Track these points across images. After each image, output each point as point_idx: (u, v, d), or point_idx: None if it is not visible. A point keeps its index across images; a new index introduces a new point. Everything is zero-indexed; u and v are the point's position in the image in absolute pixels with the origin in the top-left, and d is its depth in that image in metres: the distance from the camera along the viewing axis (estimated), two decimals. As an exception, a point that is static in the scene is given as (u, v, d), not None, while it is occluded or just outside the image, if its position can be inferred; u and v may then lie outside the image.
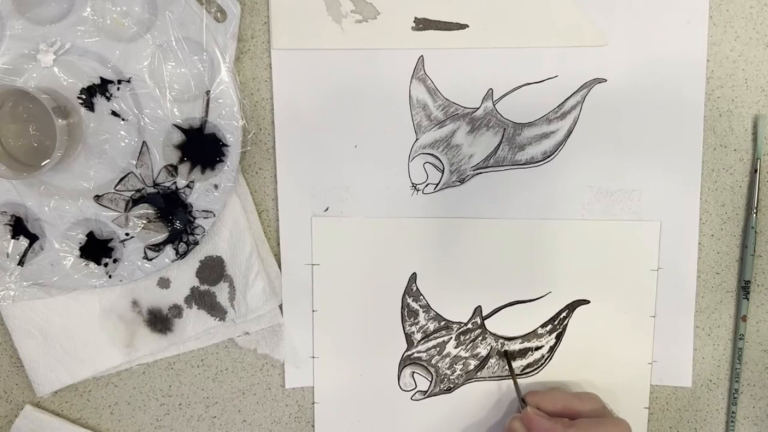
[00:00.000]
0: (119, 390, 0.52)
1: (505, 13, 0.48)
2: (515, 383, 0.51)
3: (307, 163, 0.50)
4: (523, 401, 0.49)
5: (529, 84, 0.48)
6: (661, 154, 0.49)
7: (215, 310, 0.50)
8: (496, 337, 0.51)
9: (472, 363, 0.52)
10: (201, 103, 0.47)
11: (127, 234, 0.48)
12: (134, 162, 0.47)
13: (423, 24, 0.48)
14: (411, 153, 0.49)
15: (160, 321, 0.50)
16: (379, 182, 0.50)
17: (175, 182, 0.48)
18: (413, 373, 0.52)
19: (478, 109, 0.49)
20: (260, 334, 0.51)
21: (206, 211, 0.48)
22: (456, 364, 0.52)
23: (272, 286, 0.50)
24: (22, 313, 0.50)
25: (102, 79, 0.46)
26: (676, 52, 0.48)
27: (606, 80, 0.48)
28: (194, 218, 0.48)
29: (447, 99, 0.49)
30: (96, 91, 0.47)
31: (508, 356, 0.51)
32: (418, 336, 0.52)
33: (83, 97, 0.46)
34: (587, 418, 0.46)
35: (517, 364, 0.52)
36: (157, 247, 0.49)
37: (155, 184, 0.48)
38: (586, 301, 0.51)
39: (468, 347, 0.52)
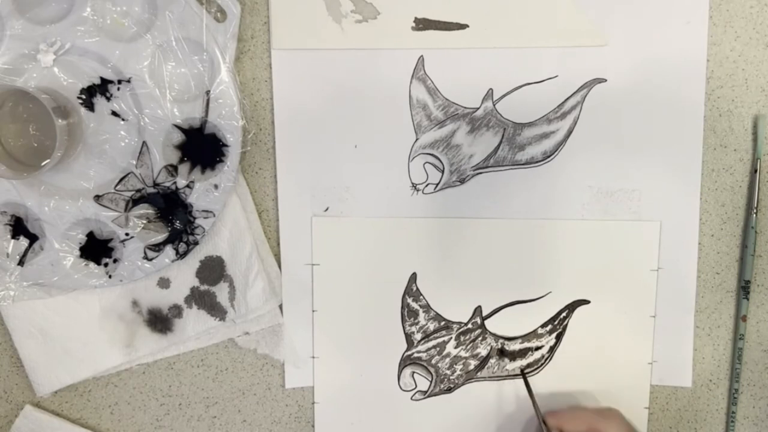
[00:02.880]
0: (119, 390, 0.52)
1: (505, 13, 0.48)
2: (535, 406, 0.50)
3: (307, 163, 0.50)
4: (544, 423, 0.48)
5: (529, 84, 0.48)
6: (661, 154, 0.49)
7: (215, 310, 0.50)
8: (496, 337, 0.51)
9: (472, 363, 0.52)
10: (201, 103, 0.47)
11: (127, 234, 0.48)
12: (134, 162, 0.47)
13: (423, 24, 0.48)
14: (411, 153, 0.49)
15: (160, 321, 0.50)
16: (379, 182, 0.50)
17: (175, 182, 0.48)
18: (413, 373, 0.52)
19: (478, 109, 0.49)
20: (260, 334, 0.51)
21: (206, 211, 0.48)
22: (456, 364, 0.52)
23: (272, 286, 0.50)
24: (22, 313, 0.50)
25: (102, 79, 0.46)
26: (676, 52, 0.48)
27: (606, 80, 0.48)
28: (194, 218, 0.48)
29: (447, 99, 0.49)
30: (96, 91, 0.47)
31: (527, 379, 0.51)
32: (418, 336, 0.52)
33: (83, 97, 0.46)
34: None
35: (517, 364, 0.52)
36: (157, 247, 0.49)
37: (155, 184, 0.48)
38: (586, 301, 0.51)
39: (468, 347, 0.52)
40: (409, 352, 0.52)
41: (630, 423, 0.48)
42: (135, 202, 0.48)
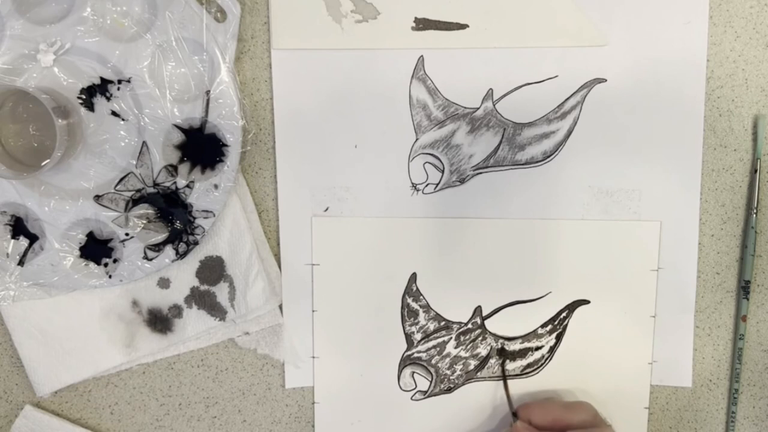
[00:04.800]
0: (119, 390, 0.52)
1: (505, 13, 0.48)
2: (508, 397, 0.50)
3: (307, 163, 0.50)
4: (514, 415, 0.49)
5: (529, 84, 0.48)
6: (661, 154, 0.49)
7: (215, 310, 0.50)
8: (496, 337, 0.51)
9: (472, 363, 0.52)
10: (201, 103, 0.47)
11: (127, 234, 0.48)
12: (134, 162, 0.47)
13: (423, 24, 0.48)
14: (411, 153, 0.49)
15: (160, 321, 0.50)
16: (379, 182, 0.50)
17: (175, 182, 0.48)
18: (413, 373, 0.52)
19: (478, 109, 0.49)
20: (260, 334, 0.51)
21: (206, 211, 0.48)
22: (456, 364, 0.52)
23: (272, 286, 0.50)
24: (22, 313, 0.50)
25: (102, 79, 0.46)
26: (676, 52, 0.48)
27: (606, 80, 0.48)
28: (194, 218, 0.48)
29: (447, 99, 0.49)
30: (96, 91, 0.47)
31: (505, 373, 0.51)
32: (418, 336, 0.52)
33: (83, 97, 0.46)
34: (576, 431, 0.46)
35: (517, 364, 0.52)
36: (157, 247, 0.49)
37: (155, 184, 0.48)
38: (586, 301, 0.51)
39: (468, 347, 0.52)
40: (409, 352, 0.52)
41: (599, 414, 0.48)
42: (135, 202, 0.48)
